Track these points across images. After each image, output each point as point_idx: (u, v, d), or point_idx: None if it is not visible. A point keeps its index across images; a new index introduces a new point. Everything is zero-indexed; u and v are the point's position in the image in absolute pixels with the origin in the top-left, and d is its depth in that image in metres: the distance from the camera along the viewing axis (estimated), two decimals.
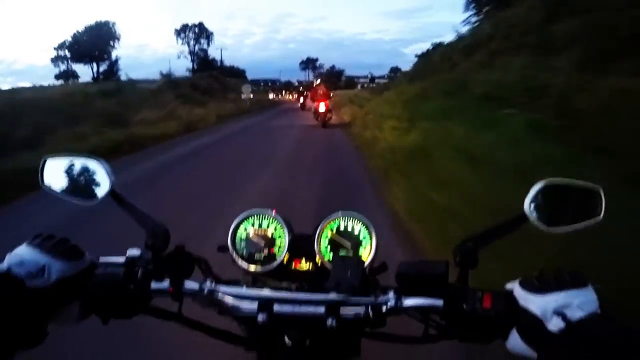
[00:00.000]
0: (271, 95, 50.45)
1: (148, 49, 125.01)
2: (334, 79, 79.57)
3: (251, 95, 23.95)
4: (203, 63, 56.25)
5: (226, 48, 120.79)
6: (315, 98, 13.14)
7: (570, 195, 0.60)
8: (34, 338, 0.48)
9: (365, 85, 75.74)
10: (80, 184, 0.66)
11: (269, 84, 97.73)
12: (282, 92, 67.10)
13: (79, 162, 0.67)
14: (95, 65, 51.80)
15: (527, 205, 0.57)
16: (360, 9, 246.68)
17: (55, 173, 0.66)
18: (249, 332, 0.63)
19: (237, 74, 57.25)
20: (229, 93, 25.82)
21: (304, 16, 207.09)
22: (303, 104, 22.01)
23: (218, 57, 58.97)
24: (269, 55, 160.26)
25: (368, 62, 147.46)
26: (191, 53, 58.42)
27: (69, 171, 0.66)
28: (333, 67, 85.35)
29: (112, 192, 0.64)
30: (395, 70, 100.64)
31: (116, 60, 52.74)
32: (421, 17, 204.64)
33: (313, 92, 15.03)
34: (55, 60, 52.47)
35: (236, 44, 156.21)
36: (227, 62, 61.47)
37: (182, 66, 55.99)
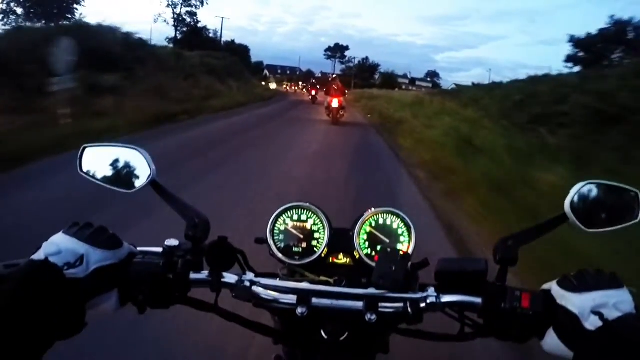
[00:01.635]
0: (273, 86, 34.33)
1: (128, 14, 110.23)
2: (367, 74, 62.51)
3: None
4: (190, 32, 40.24)
5: (228, 18, 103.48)
6: (330, 93, 12.21)
7: (608, 197, 0.61)
8: (72, 328, 0.46)
9: (404, 87, 58.84)
10: (120, 172, 0.65)
11: (288, 72, 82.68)
12: (298, 85, 50.11)
13: (118, 151, 0.66)
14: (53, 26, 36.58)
15: (568, 205, 0.57)
16: (396, 10, 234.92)
17: (94, 161, 0.66)
18: (285, 325, 0.64)
19: (234, 51, 40.98)
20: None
21: (339, 11, 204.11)
22: (314, 97, 20.74)
23: (213, 30, 42.97)
24: (299, 46, 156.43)
25: (398, 65, 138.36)
26: (175, 17, 41.65)
27: (108, 159, 0.66)
28: (366, 59, 67.27)
29: (152, 182, 0.62)
30: (432, 74, 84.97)
31: (81, 19, 37.51)
32: (456, 26, 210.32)
33: (328, 86, 13.49)
34: (3, 16, 37.35)
35: (268, 32, 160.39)
36: (254, 50, 45.05)
37: (163, 34, 40.01)
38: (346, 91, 13.17)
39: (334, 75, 19.31)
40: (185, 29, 40.98)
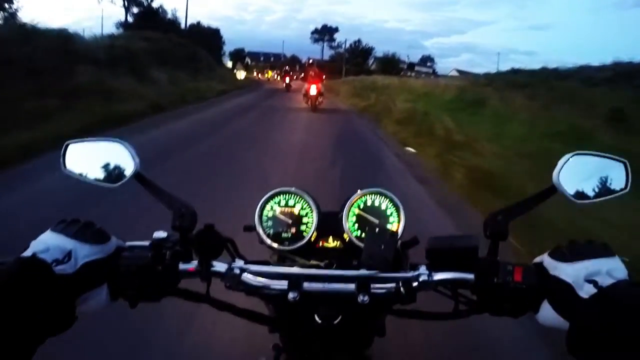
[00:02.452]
0: (241, 75, 27.22)
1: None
2: (359, 59, 54.77)
3: None
4: (142, 14, 32.16)
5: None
6: (307, 79, 12.35)
7: (597, 167, 0.60)
8: (63, 323, 0.47)
9: (402, 73, 51.41)
10: (104, 167, 0.64)
11: (271, 58, 74.60)
12: (281, 72, 42.17)
13: (101, 145, 0.65)
14: None
15: (556, 177, 0.57)
16: None
17: (77, 157, 0.64)
18: (278, 312, 0.63)
19: (200, 34, 33.14)
20: None
21: None
22: (288, 85, 19.51)
23: (173, 9, 34.68)
24: (287, 34, 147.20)
25: (388, 51, 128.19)
26: None
27: (91, 155, 0.64)
28: (358, 42, 58.88)
29: (136, 175, 0.61)
30: (427, 59, 77.13)
31: (15, 12, 29.15)
32: (445, 12, 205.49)
33: (305, 72, 13.64)
34: None
35: (256, 20, 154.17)
36: (241, 39, 36.72)
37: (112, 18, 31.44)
38: (324, 77, 13.17)
39: (311, 61, 18.16)
40: (136, 11, 32.96)
